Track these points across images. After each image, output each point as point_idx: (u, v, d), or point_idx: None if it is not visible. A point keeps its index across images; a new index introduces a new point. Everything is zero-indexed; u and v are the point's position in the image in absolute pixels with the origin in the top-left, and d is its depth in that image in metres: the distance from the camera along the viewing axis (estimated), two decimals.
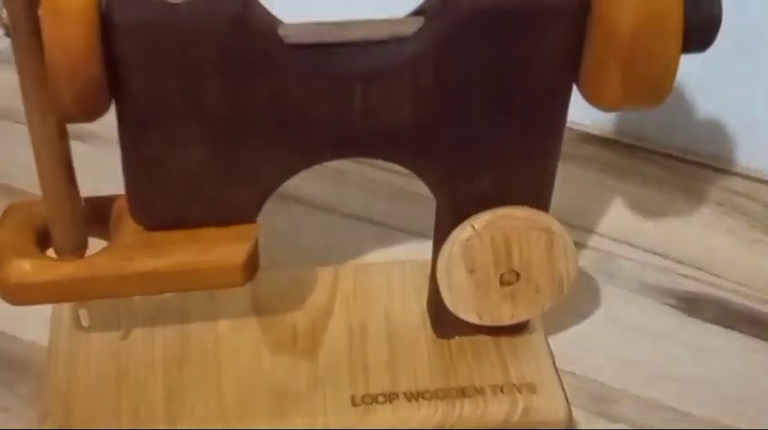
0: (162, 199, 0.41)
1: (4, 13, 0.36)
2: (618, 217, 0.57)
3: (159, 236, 0.42)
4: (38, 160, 0.39)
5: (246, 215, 0.42)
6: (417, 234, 0.55)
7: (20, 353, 0.49)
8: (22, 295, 0.41)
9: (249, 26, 0.37)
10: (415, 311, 0.49)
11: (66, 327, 0.48)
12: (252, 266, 0.42)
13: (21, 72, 0.37)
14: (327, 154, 0.42)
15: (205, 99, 0.38)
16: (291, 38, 0.38)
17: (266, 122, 0.39)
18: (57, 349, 0.47)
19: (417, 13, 0.40)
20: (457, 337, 0.48)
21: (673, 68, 0.38)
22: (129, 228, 0.42)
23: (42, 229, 0.42)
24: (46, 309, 0.48)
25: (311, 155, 0.41)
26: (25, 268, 0.40)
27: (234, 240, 0.42)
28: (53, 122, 0.38)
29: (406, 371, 0.47)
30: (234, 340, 0.48)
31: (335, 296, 0.50)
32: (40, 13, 0.35)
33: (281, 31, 0.38)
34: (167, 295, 0.48)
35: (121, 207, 0.42)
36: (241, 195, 0.42)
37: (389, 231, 0.56)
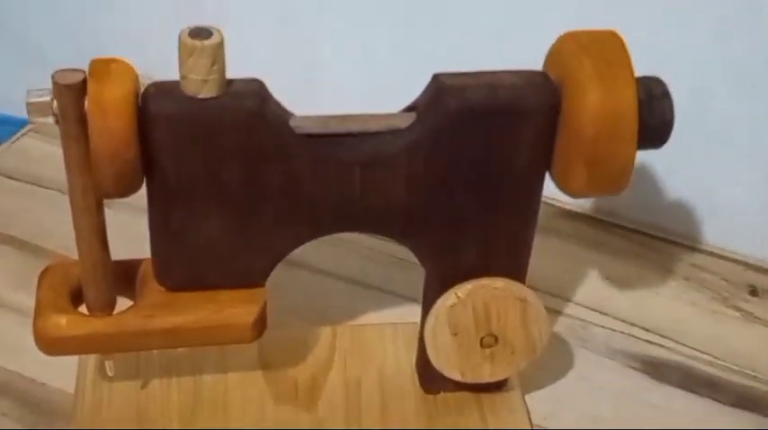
0: (183, 264, 0.47)
1: (55, 104, 0.42)
2: (592, 287, 0.63)
3: (179, 296, 0.47)
4: (77, 230, 0.45)
5: (257, 279, 0.48)
6: (408, 298, 0.61)
7: (48, 399, 0.54)
8: (57, 347, 0.47)
9: (265, 119, 0.43)
10: (405, 369, 0.55)
11: (91, 376, 0.53)
12: (261, 325, 0.48)
13: (66, 154, 0.43)
14: (330, 228, 0.47)
15: (225, 180, 0.44)
16: (301, 128, 0.44)
17: (278, 201, 0.45)
18: (82, 395, 0.52)
19: (410, 109, 0.46)
20: (442, 393, 0.53)
21: (630, 164, 0.44)
22: (153, 289, 0.48)
23: (76, 288, 0.48)
24: (72, 361, 0.53)
25: (316, 229, 0.47)
26: (61, 323, 0.46)
27: (246, 302, 0.47)
28: (93, 197, 0.44)
29: (396, 422, 0.52)
30: (242, 390, 0.53)
31: (334, 353, 0.55)
32: (86, 104, 0.41)
33: (292, 123, 0.44)
34: (182, 349, 0.54)
35: (146, 270, 0.48)
36: (253, 262, 0.47)
37: (383, 295, 0.61)
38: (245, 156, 0.44)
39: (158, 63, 0.45)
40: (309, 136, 0.44)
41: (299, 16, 0.72)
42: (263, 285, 0.48)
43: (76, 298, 0.48)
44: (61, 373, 0.54)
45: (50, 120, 0.42)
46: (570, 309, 0.61)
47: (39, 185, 0.68)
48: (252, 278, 0.48)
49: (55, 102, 0.41)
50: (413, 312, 0.59)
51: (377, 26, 0.70)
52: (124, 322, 0.47)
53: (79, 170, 0.43)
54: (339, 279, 0.62)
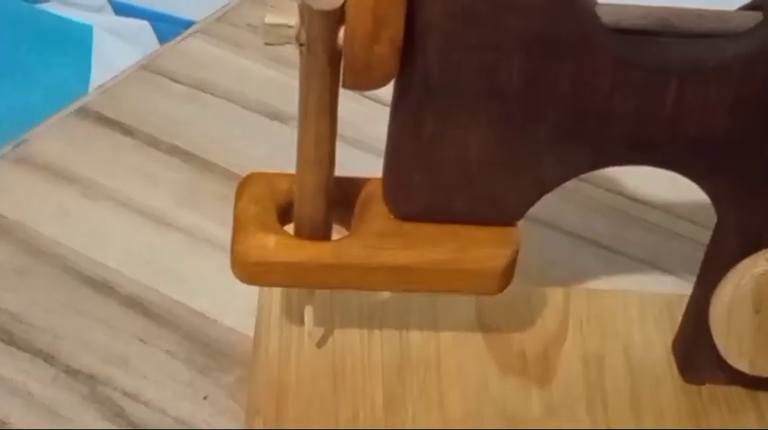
0: (427, 186, 0.36)
1: (303, 34, 0.32)
2: None
3: (410, 227, 0.37)
4: (300, 183, 0.36)
5: (512, 216, 0.38)
6: (642, 261, 0.50)
7: (220, 340, 0.45)
8: (259, 274, 0.37)
9: (571, 1, 0.32)
10: (657, 349, 0.44)
11: (276, 319, 0.43)
12: (510, 274, 0.38)
13: (305, 93, 0.34)
14: (617, 157, 0.37)
15: (502, 77, 0.34)
16: (610, 20, 0.34)
17: (562, 112, 0.35)
18: (266, 342, 0.42)
19: (753, 7, 0.35)
20: (707, 385, 0.42)
21: None
22: (379, 215, 0.38)
23: (282, 206, 0.38)
24: (247, 294, 0.43)
25: (600, 155, 0.36)
26: (268, 244, 0.36)
27: (496, 243, 0.37)
28: (326, 149, 0.35)
29: (651, 411, 0.41)
30: (457, 354, 0.43)
31: (568, 321, 0.45)
32: None
33: (599, 12, 0.34)
34: (385, 296, 0.44)
35: (371, 192, 0.38)
36: (513, 192, 0.37)
37: (612, 255, 0.51)
38: (535, 48, 0.33)
39: None
40: (619, 31, 0.34)
41: None
42: (515, 225, 0.38)
43: (283, 217, 0.38)
44: (235, 309, 0.45)
45: (292, 46, 0.33)
46: None
47: (205, 92, 0.59)
48: (505, 213, 0.37)
49: (303, 32, 0.32)
50: (649, 280, 0.50)
51: None
52: (345, 252, 0.36)
53: (317, 114, 0.34)
54: (560, 232, 0.52)
